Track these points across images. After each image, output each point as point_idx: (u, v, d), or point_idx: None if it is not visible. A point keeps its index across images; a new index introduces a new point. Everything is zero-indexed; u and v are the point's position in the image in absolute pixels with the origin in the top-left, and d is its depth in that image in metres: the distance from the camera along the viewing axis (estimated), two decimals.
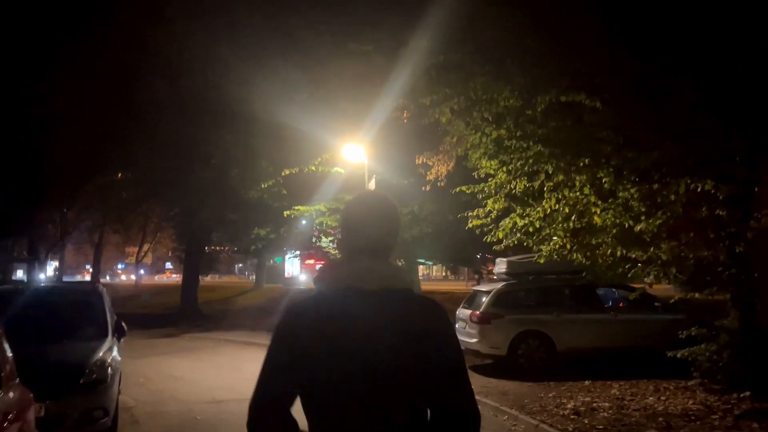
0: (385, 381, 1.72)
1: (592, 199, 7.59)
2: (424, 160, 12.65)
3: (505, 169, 9.51)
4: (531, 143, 7.47)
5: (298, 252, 43.00)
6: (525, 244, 10.05)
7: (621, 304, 12.36)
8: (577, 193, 7.69)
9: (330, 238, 14.38)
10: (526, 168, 8.40)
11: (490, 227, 10.51)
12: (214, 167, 17.64)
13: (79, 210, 36.67)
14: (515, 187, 9.63)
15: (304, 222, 17.33)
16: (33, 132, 20.76)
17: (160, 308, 28.88)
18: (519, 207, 9.78)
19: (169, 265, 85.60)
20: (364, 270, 1.81)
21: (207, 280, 60.00)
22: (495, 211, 10.36)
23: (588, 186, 7.60)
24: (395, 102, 9.03)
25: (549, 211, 8.17)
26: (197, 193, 18.38)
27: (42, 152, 23.32)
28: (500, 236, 9.13)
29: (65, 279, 48.23)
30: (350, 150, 14.29)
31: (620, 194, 7.32)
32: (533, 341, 11.36)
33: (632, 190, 7.11)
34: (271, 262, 58.20)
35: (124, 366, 12.78)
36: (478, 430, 1.80)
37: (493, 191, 10.28)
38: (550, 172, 7.67)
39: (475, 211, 10.70)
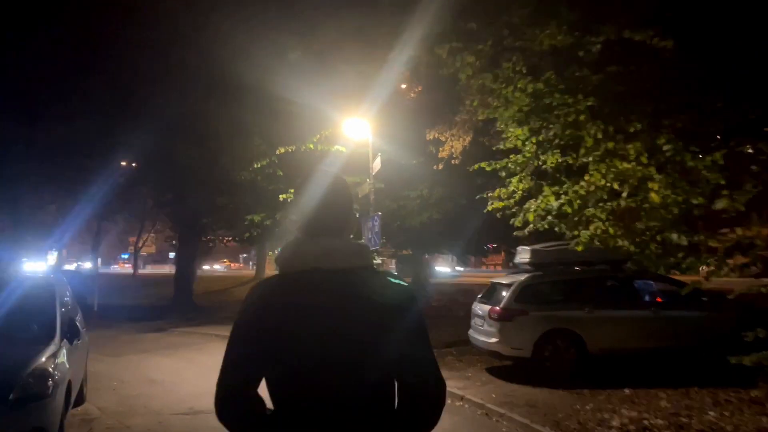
0: (351, 362, 1.74)
1: (652, 171, 6.09)
2: (436, 135, 11.18)
3: (534, 140, 8.04)
4: (580, 97, 5.95)
5: None
6: (557, 229, 8.57)
7: (659, 299, 10.86)
8: (633, 164, 6.19)
9: None
10: (563, 135, 6.89)
11: (513, 210, 9.06)
12: (201, 145, 16.13)
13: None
14: (545, 162, 8.15)
15: None
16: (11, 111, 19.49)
17: (155, 299, 27.61)
18: (548, 186, 8.31)
19: (172, 255, 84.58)
20: (327, 249, 1.81)
21: (209, 270, 58.97)
22: (519, 192, 8.89)
23: (645, 155, 6.10)
24: (406, 59, 7.52)
25: (593, 188, 6.67)
26: (184, 174, 16.91)
27: (24, 134, 22.03)
28: (531, 219, 7.65)
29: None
30: (352, 125, 12.81)
31: (688, 164, 5.81)
32: (561, 341, 9.93)
33: (708, 159, 5.60)
34: (276, 251, 56.87)
35: (99, 367, 11.58)
36: (442, 407, 1.82)
37: (518, 168, 8.79)
38: (600, 136, 6.17)
39: (496, 191, 9.24)
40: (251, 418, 1.77)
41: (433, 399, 1.81)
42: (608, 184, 6.55)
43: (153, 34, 14.76)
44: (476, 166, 9.31)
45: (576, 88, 6.00)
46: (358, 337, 1.74)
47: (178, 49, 14.91)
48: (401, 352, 1.76)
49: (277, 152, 13.12)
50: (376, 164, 12.43)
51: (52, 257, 58.10)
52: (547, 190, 7.78)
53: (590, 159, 6.44)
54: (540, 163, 8.55)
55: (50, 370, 5.94)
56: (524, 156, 8.00)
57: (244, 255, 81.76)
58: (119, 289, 32.82)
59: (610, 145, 6.23)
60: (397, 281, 1.89)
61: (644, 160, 6.09)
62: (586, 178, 6.73)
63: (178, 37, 14.50)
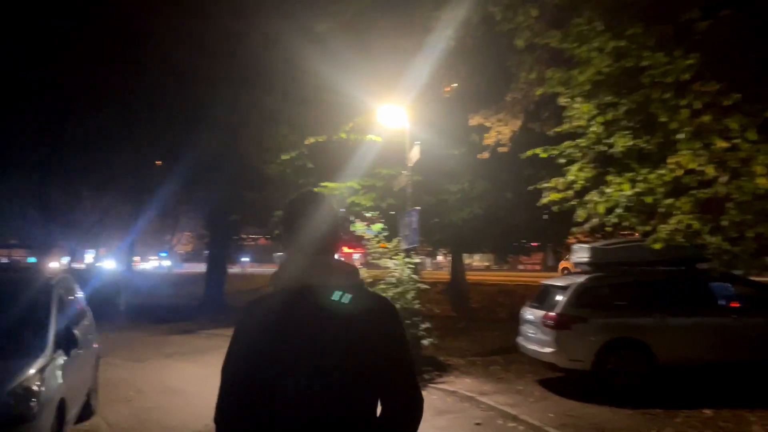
0: (336, 377, 1.81)
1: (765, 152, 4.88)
2: (481, 121, 10.06)
3: (601, 119, 6.89)
4: (677, 54, 4.79)
5: None
6: (626, 223, 7.40)
7: (736, 304, 9.53)
8: (738, 140, 5.00)
9: (365, 222, 11.85)
10: (640, 112, 5.72)
11: (572, 202, 7.94)
12: (227, 134, 15.27)
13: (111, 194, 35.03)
14: (613, 145, 7.00)
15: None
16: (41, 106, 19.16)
17: (186, 299, 27.09)
18: (614, 174, 7.16)
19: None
20: (317, 267, 1.91)
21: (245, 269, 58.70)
22: (580, 181, 7.75)
23: (753, 130, 4.90)
24: (451, 25, 6.45)
25: (681, 172, 5.49)
26: (210, 167, 16.12)
27: (53, 129, 21.71)
28: (601, 211, 6.51)
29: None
30: (388, 113, 11.76)
31: None
32: (627, 352, 8.74)
33: None
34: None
35: (117, 373, 10.85)
36: (420, 420, 1.91)
37: (579, 154, 7.64)
38: (698, 106, 4.99)
39: (552, 181, 8.10)
40: None
41: (412, 412, 1.91)
42: (701, 168, 5.36)
43: (177, 23, 13.99)
44: (529, 152, 8.21)
45: (672, 43, 4.83)
46: (344, 350, 1.83)
47: (207, 35, 14.10)
48: (384, 366, 1.86)
49: (306, 142, 12.17)
50: (414, 154, 11.37)
51: (89, 256, 58.98)
52: (618, 179, 6.61)
53: (681, 136, 5.26)
54: (605, 148, 7.39)
55: (35, 387, 5.09)
56: (588, 138, 6.83)
57: (279, 254, 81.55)
58: (152, 288, 32.63)
59: (705, 118, 5.05)
60: (380, 297, 2.04)
61: (752, 136, 4.90)
62: (672, 160, 5.55)
63: (204, 22, 13.70)
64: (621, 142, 6.86)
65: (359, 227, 12.03)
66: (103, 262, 52.03)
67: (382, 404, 1.88)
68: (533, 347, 9.43)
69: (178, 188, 19.89)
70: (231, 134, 15.27)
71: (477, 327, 16.87)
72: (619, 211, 7.01)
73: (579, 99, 6.34)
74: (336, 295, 1.86)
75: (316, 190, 2.15)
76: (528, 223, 14.23)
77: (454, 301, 20.05)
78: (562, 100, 6.85)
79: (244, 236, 28.17)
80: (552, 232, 13.99)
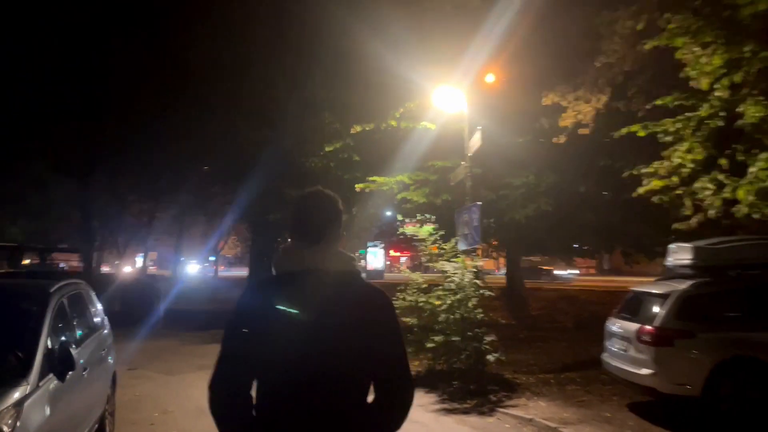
0: (331, 355, 1.91)
1: None
2: (557, 99, 8.59)
3: (725, 82, 5.39)
4: None
5: (379, 242, 39.43)
6: (757, 215, 5.86)
7: None
8: None
9: (416, 221, 10.49)
10: None
11: (677, 191, 6.45)
12: (266, 126, 14.16)
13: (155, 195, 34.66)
14: (744, 115, 5.49)
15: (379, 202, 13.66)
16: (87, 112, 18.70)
17: (229, 303, 26.24)
18: (742, 154, 5.65)
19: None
20: (317, 254, 2.06)
21: None
22: (689, 165, 6.26)
23: None
24: None
25: None
26: (248, 162, 15.04)
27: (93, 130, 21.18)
28: (742, 197, 5.02)
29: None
30: (444, 96, 10.41)
31: None
32: (745, 375, 7.14)
33: None
34: (355, 254, 55.02)
35: (146, 388, 9.85)
36: (411, 404, 2.04)
37: (690, 128, 6.15)
38: None
39: (653, 165, 6.63)
40: (239, 415, 2.00)
41: (404, 396, 2.03)
42: None
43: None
44: (624, 130, 6.74)
45: None
46: (338, 332, 1.93)
47: (247, 22, 13.05)
48: (377, 349, 1.97)
49: (352, 131, 10.93)
50: (474, 142, 9.99)
51: (139, 260, 59.58)
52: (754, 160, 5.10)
53: None
54: (721, 122, 5.88)
55: (5, 427, 3.95)
56: (710, 106, 5.34)
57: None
58: (195, 293, 32.11)
59: None
60: (376, 288, 2.17)
61: None
62: None
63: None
64: (752, 111, 5.33)
65: (411, 230, 10.70)
66: (187, 265, 51.86)
67: (375, 390, 2.01)
68: (624, 367, 7.91)
69: (219, 187, 18.96)
70: (269, 125, 14.15)
71: (540, 337, 15.33)
72: (751, 198, 5.46)
73: (706, 51, 4.87)
74: (336, 279, 2.01)
75: (323, 189, 2.15)
76: (604, 220, 12.57)
77: (513, 308, 18.47)
78: (680, 55, 5.38)
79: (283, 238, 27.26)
80: (638, 230, 12.21)
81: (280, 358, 1.91)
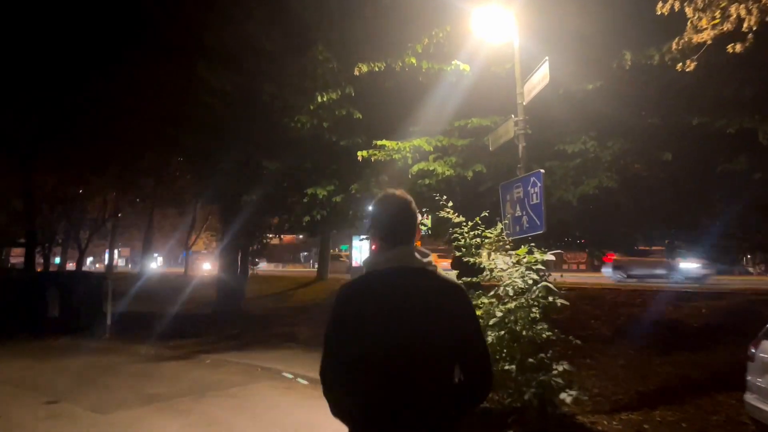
0: (418, 340, 2.17)
1: None
2: (678, 4, 5.57)
3: None
4: None
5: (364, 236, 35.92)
6: None
7: None
8: None
9: (446, 213, 7.25)
10: None
11: None
12: (232, 69, 10.85)
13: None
14: None
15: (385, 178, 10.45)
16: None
17: (201, 305, 23.03)
18: None
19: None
20: (402, 254, 2.34)
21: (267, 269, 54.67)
22: None
23: None
24: None
25: None
26: (210, 122, 11.82)
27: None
28: None
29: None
30: (486, 18, 7.37)
31: None
32: None
33: None
34: (337, 249, 51.38)
35: None
36: (492, 379, 2.38)
37: None
38: None
39: None
40: (345, 399, 2.28)
41: (487, 374, 2.34)
42: None
43: None
44: None
45: None
46: (422, 320, 2.20)
47: None
48: (460, 335, 2.25)
49: (356, 72, 7.83)
50: (538, 80, 6.95)
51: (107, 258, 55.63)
52: None
53: None
54: None
55: None
56: None
57: (305, 253, 76.65)
58: (160, 293, 28.79)
59: None
60: (452, 280, 2.42)
61: None
62: None
63: None
64: None
65: (447, 213, 7.58)
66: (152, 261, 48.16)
67: (463, 372, 2.28)
68: None
69: (191, 178, 15.61)
70: (239, 68, 10.88)
71: (581, 350, 12.36)
72: None
73: None
74: (418, 275, 2.30)
75: (396, 192, 2.39)
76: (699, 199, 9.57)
77: None
78: None
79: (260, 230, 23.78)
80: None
81: (378, 345, 2.17)
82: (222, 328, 16.20)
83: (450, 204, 7.40)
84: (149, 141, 16.40)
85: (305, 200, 10.80)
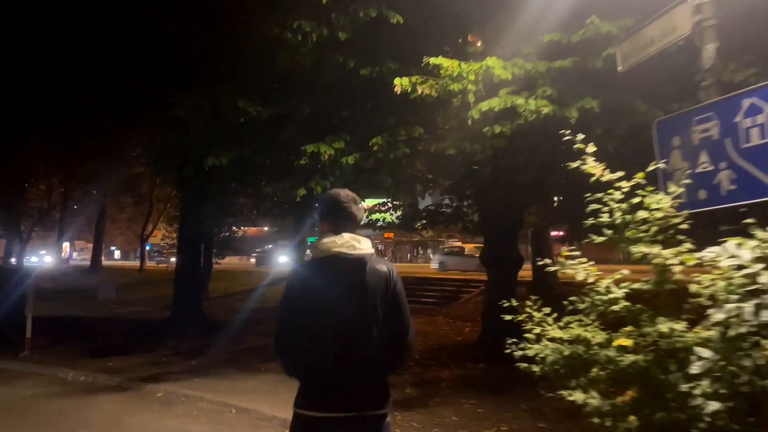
0: (357, 316, 2.65)
1: None
2: None
3: None
4: None
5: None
6: None
7: None
8: None
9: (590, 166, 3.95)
10: None
11: None
12: None
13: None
14: None
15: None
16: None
17: (158, 308, 19.37)
18: None
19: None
20: (345, 240, 2.75)
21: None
22: None
23: None
24: None
25: None
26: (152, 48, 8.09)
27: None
28: None
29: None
30: None
31: None
32: None
33: None
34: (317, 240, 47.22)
35: None
36: (413, 347, 2.86)
37: None
38: None
39: None
40: (295, 359, 2.74)
41: (409, 342, 2.78)
42: None
43: None
44: None
45: None
46: (362, 299, 2.66)
47: None
48: (389, 310, 2.71)
49: None
50: None
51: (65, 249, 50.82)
52: None
53: None
54: None
55: None
56: None
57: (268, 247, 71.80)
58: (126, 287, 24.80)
59: None
60: (386, 261, 2.88)
61: None
62: None
63: None
64: None
65: (590, 167, 4.21)
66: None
67: (392, 329, 2.70)
68: None
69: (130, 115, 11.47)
70: None
71: None
72: None
73: None
74: (359, 260, 2.72)
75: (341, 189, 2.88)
76: None
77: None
78: None
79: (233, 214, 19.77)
80: None
81: (323, 321, 2.64)
82: (180, 339, 12.68)
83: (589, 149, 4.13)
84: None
85: (302, 162, 7.31)
